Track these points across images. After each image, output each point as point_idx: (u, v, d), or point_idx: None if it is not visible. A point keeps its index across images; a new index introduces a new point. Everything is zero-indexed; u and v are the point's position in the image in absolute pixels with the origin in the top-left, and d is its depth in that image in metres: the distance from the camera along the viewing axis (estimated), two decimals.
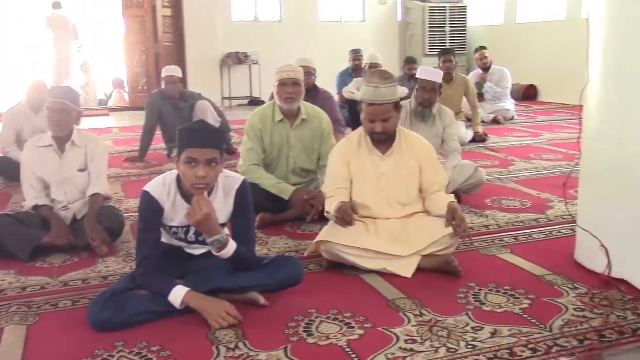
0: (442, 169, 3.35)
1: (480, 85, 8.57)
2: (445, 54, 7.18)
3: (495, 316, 2.66)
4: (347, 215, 3.01)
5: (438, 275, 3.09)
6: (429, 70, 4.60)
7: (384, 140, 3.25)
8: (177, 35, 11.31)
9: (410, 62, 8.58)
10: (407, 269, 3.10)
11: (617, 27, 2.90)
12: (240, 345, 2.44)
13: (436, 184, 3.28)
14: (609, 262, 2.94)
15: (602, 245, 2.96)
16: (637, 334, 2.48)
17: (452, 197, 3.25)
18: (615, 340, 2.43)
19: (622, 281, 2.91)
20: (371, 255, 3.09)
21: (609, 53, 2.95)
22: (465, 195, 4.44)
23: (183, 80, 6.89)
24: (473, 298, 2.84)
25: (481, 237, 3.69)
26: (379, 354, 2.35)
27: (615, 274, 2.94)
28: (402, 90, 7.32)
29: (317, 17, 12.23)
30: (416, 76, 4.59)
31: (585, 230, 3.08)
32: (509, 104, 8.70)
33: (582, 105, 3.16)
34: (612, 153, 2.94)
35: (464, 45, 12.55)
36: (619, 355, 2.35)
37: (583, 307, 2.71)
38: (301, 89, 4.08)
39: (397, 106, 3.20)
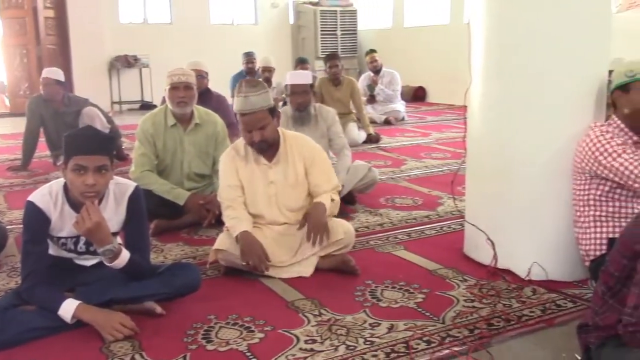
0: (330, 170, 3.36)
1: (371, 87, 8.79)
2: (331, 58, 7.33)
3: (392, 311, 2.73)
4: (260, 267, 3.04)
5: (336, 274, 3.14)
6: (296, 74, 4.63)
7: (267, 149, 3.23)
8: (62, 38, 10.80)
9: (301, 63, 8.67)
10: (305, 270, 3.13)
11: (496, 31, 3.06)
12: (137, 357, 2.37)
13: (320, 185, 3.26)
14: (495, 254, 3.10)
15: (488, 239, 3.12)
16: (521, 320, 2.63)
17: (325, 199, 3.21)
18: (502, 328, 2.56)
19: (507, 271, 3.08)
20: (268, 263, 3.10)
21: (488, 55, 3.11)
22: (359, 194, 4.53)
23: (69, 84, 6.57)
24: (370, 295, 2.91)
25: (376, 235, 3.79)
26: (279, 356, 2.35)
27: (501, 265, 3.10)
28: None
29: (209, 20, 12.09)
30: (285, 83, 4.60)
31: (473, 225, 3.24)
32: (400, 105, 8.97)
33: (466, 106, 3.32)
34: (495, 150, 3.10)
35: (355, 48, 12.82)
36: (506, 342, 2.48)
37: (472, 298, 2.84)
38: (193, 92, 4.02)
39: (272, 112, 3.15)
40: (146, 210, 2.77)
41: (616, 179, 2.62)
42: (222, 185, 3.28)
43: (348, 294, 2.93)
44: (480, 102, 3.19)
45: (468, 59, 3.23)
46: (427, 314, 2.70)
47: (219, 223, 3.63)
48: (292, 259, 3.17)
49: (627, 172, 2.57)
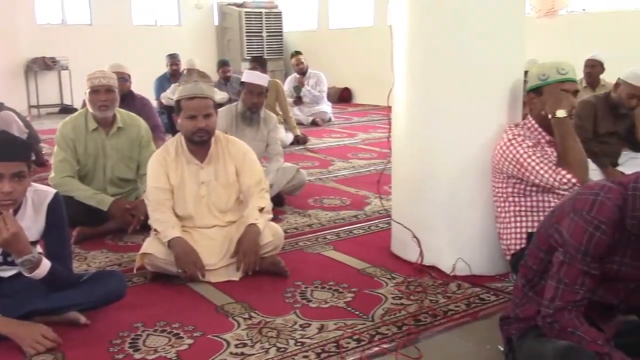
0: (260, 171, 3.35)
1: (298, 89, 8.82)
2: (253, 61, 7.33)
3: (322, 312, 2.75)
4: (197, 276, 3.00)
5: (265, 276, 3.13)
6: (256, 74, 4.65)
7: (202, 146, 3.20)
8: None
9: (223, 65, 8.62)
10: (234, 273, 3.11)
11: (417, 33, 3.14)
12: None
13: (251, 187, 3.25)
14: (421, 252, 3.17)
15: (414, 236, 3.19)
16: (448, 315, 2.70)
17: (256, 217, 3.13)
18: (430, 323, 2.63)
19: (433, 268, 3.16)
20: None
21: (410, 57, 3.18)
22: (288, 196, 4.54)
23: None
24: (300, 296, 2.91)
25: (305, 236, 3.80)
26: None
27: (427, 262, 3.18)
28: (223, 96, 7.33)
29: (130, 20, 11.80)
30: (242, 80, 4.61)
31: (399, 223, 3.30)
32: (326, 107, 9.04)
33: (390, 106, 3.38)
34: (419, 150, 3.18)
35: (281, 50, 12.82)
36: (433, 337, 2.54)
37: (400, 295, 2.90)
38: (115, 95, 3.91)
39: (215, 107, 3.19)
40: (68, 217, 2.68)
41: (531, 177, 2.74)
42: (150, 187, 3.22)
43: (278, 295, 2.93)
44: (403, 103, 3.26)
45: (391, 60, 3.29)
46: (357, 312, 2.73)
47: (144, 229, 3.55)
48: (221, 262, 3.14)
49: (534, 172, 2.71)
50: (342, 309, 2.77)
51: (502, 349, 2.25)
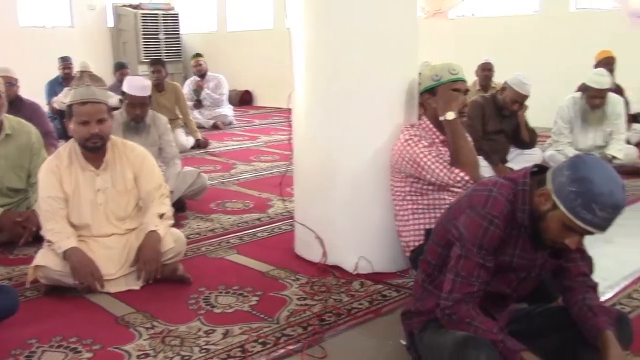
0: (159, 176, 3.27)
1: (198, 92, 8.68)
2: (155, 64, 7.16)
3: (227, 317, 2.72)
4: (95, 287, 2.90)
5: (167, 284, 3.06)
6: (137, 84, 4.40)
7: (96, 152, 3.08)
8: None
9: (121, 68, 8.37)
10: (135, 282, 3.02)
11: (314, 36, 3.17)
12: None
13: (150, 192, 3.16)
14: (324, 252, 3.21)
15: (317, 237, 3.22)
16: (351, 313, 2.74)
17: (156, 223, 3.06)
18: (334, 322, 2.66)
19: (337, 267, 3.20)
20: None
21: (309, 59, 3.21)
22: (189, 200, 4.46)
23: None
24: (204, 302, 2.87)
25: (208, 241, 3.75)
26: None
27: (331, 261, 3.22)
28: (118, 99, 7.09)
29: (17, 22, 11.19)
30: (123, 89, 4.44)
31: (302, 224, 3.32)
32: (227, 110, 8.96)
33: (290, 109, 3.39)
34: (319, 151, 3.21)
35: (179, 52, 12.58)
36: (338, 335, 2.57)
37: (305, 296, 2.91)
38: (2, 101, 3.70)
39: (109, 111, 3.09)
40: None
41: (428, 176, 2.83)
42: (43, 197, 3.06)
43: (181, 303, 2.87)
44: (303, 105, 3.28)
45: (290, 63, 3.31)
46: (262, 315, 2.72)
47: (37, 240, 3.37)
48: (121, 271, 3.04)
49: (430, 171, 2.81)
50: (247, 313, 2.75)
51: (404, 343, 2.31)
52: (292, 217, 3.60)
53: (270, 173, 5.72)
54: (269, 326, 2.61)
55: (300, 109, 3.30)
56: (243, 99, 11.54)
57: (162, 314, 2.74)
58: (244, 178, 5.56)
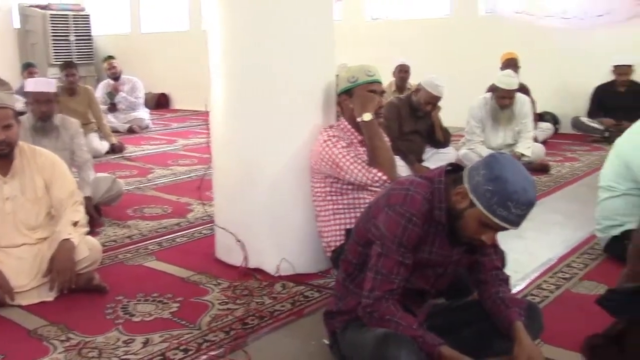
0: (72, 183, 3.15)
1: (112, 95, 8.44)
2: (67, 67, 6.92)
3: (146, 325, 2.66)
4: (4, 300, 2.79)
5: (83, 294, 2.95)
6: (39, 81, 4.30)
7: (3, 159, 2.94)
8: None
9: (29, 67, 8.03)
10: (48, 293, 2.90)
11: (230, 39, 3.15)
12: None
13: (63, 200, 3.05)
14: (246, 255, 3.18)
15: (238, 240, 3.19)
16: (274, 315, 2.74)
17: (69, 231, 2.95)
18: (257, 325, 2.65)
19: (259, 270, 3.18)
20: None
21: (225, 62, 3.18)
22: (105, 207, 4.32)
23: None
24: (122, 311, 2.79)
25: (125, 248, 3.65)
26: None
27: (252, 264, 3.20)
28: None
29: None
30: (26, 90, 4.27)
31: (222, 228, 3.29)
32: (143, 113, 8.75)
33: (208, 111, 3.35)
34: (238, 154, 3.19)
35: (91, 54, 12.17)
36: (261, 338, 2.56)
37: (227, 300, 2.89)
38: None
39: (16, 116, 2.95)
40: None
41: (347, 176, 2.87)
42: None
43: (98, 313, 2.78)
44: (221, 108, 3.25)
45: (207, 65, 3.27)
46: (183, 322, 2.67)
47: None
48: (32, 282, 2.91)
49: (349, 171, 2.84)
50: (168, 320, 2.70)
51: (327, 342, 2.33)
52: (212, 221, 3.56)
53: (189, 177, 5.63)
54: (190, 332, 2.57)
55: (218, 111, 3.27)
56: (159, 102, 11.31)
57: (78, 325, 2.65)
58: (162, 183, 5.45)
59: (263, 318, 2.71)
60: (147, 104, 9.54)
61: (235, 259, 3.24)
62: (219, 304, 2.85)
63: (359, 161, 2.86)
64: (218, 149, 3.34)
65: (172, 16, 11.65)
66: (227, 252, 3.33)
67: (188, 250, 3.64)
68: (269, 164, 3.11)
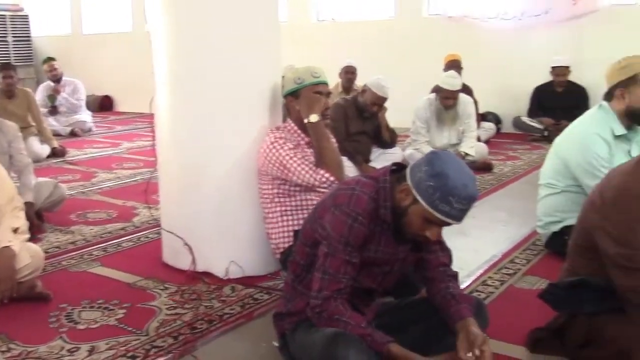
0: (11, 188, 3.01)
1: (53, 97, 8.22)
2: (4, 69, 6.71)
3: (92, 333, 2.60)
4: None
5: (25, 303, 2.86)
6: None
7: None
8: None
9: None
10: None
11: (175, 40, 3.11)
12: None
13: (3, 206, 2.91)
14: (194, 258, 3.15)
15: (186, 244, 3.15)
16: (223, 319, 2.72)
17: (9, 238, 2.83)
18: (206, 329, 2.62)
19: (207, 273, 3.15)
20: None
21: (170, 64, 3.14)
22: (47, 212, 4.21)
23: None
24: (66, 319, 2.72)
25: (69, 254, 3.56)
26: None
27: (201, 268, 3.17)
28: None
29: None
30: None
31: (169, 232, 3.24)
32: (86, 116, 8.55)
33: (153, 114, 3.30)
34: (184, 157, 3.15)
35: (30, 56, 11.83)
36: (210, 342, 2.54)
37: (175, 305, 2.85)
38: None
39: None
40: None
41: (294, 178, 2.87)
42: None
43: (41, 322, 2.70)
44: (166, 110, 3.21)
45: (151, 66, 3.22)
46: (130, 328, 2.63)
47: None
48: None
49: (296, 173, 2.84)
50: (114, 327, 2.65)
51: (277, 344, 2.33)
52: (158, 225, 3.51)
53: (135, 180, 5.53)
54: (137, 339, 2.53)
55: (163, 113, 3.23)
56: (102, 105, 11.07)
57: (20, 335, 2.57)
58: (106, 187, 5.33)
59: (212, 322, 2.68)
60: (90, 107, 9.33)
61: (183, 263, 3.20)
62: (167, 309, 2.81)
63: (307, 162, 2.87)
64: (164, 152, 3.30)
65: (114, 17, 11.42)
66: (175, 256, 3.28)
67: (134, 255, 3.57)
68: (216, 166, 3.08)
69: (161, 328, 2.62)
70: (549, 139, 6.40)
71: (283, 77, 3.18)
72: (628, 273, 2.05)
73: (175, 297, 2.93)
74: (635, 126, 3.19)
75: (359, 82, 7.01)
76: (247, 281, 3.10)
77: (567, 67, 7.30)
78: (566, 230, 3.06)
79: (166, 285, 3.08)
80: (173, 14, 3.10)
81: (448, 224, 1.92)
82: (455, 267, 2.29)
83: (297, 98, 2.95)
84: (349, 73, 7.32)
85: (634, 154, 3.08)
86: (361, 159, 5.14)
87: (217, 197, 3.10)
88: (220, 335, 2.60)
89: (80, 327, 2.65)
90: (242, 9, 3.04)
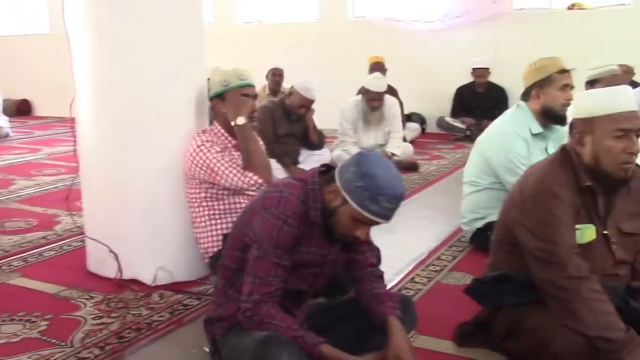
0: None
1: None
2: None
3: (12, 347, 2.49)
4: None
5: None
6: None
7: None
8: None
9: None
10: None
11: (96, 42, 3.02)
12: None
13: None
14: (120, 266, 3.07)
15: (111, 251, 3.07)
16: (152, 326, 2.66)
17: None
18: (134, 338, 2.56)
19: (134, 281, 3.08)
20: None
21: (91, 67, 3.06)
22: None
23: None
24: None
25: None
26: None
27: (127, 275, 3.09)
28: None
29: None
30: None
31: (94, 240, 3.15)
32: (2, 121, 8.22)
33: (74, 118, 3.20)
34: (108, 162, 3.07)
35: None
36: (139, 351, 2.48)
37: (101, 314, 2.77)
38: None
39: None
40: None
41: (222, 181, 2.85)
42: None
43: None
44: (88, 114, 3.11)
45: (71, 69, 3.12)
46: (54, 340, 2.53)
47: None
48: None
49: (224, 176, 2.82)
50: (37, 340, 2.55)
51: (208, 350, 2.30)
52: (82, 233, 3.40)
53: (56, 187, 5.34)
54: (62, 351, 2.44)
55: (85, 117, 3.13)
56: (20, 109, 10.63)
57: None
58: (25, 194, 5.13)
59: (140, 330, 2.62)
60: (6, 111, 8.96)
61: (109, 271, 3.12)
62: (93, 318, 2.73)
63: (234, 165, 2.85)
64: (86, 157, 3.20)
65: (30, 18, 11.00)
66: (100, 264, 3.19)
67: (57, 264, 3.45)
68: (141, 171, 3.02)
69: (87, 339, 2.54)
70: (471, 138, 6.60)
71: (209, 79, 3.15)
72: (546, 266, 2.14)
73: (101, 307, 2.85)
74: (550, 124, 3.33)
75: (286, 85, 7.03)
76: (176, 287, 3.04)
77: (486, 69, 7.56)
78: (489, 226, 3.16)
79: (92, 295, 2.99)
80: (92, 14, 3.01)
81: (377, 223, 1.95)
82: (383, 265, 2.33)
83: (223, 100, 2.93)
84: (276, 75, 7.32)
85: (551, 151, 3.21)
86: (289, 161, 5.15)
87: (143, 203, 3.04)
88: (149, 343, 2.54)
89: (0, 341, 2.54)
90: (166, 10, 2.98)
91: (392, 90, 6.59)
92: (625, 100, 2.13)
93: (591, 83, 4.32)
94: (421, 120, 8.03)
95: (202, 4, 3.23)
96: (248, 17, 9.58)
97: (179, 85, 3.04)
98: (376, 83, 5.73)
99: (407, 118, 7.43)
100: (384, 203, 1.88)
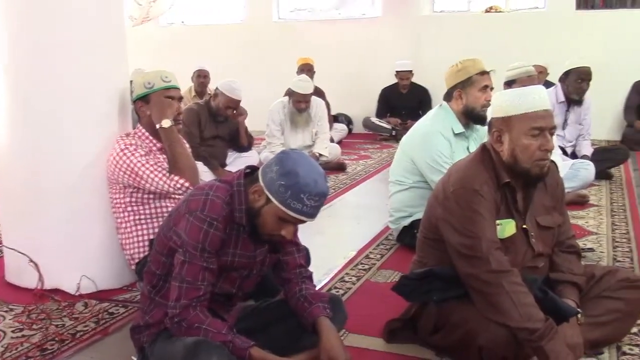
0: None
1: None
2: None
3: None
4: None
5: None
6: None
7: None
8: None
9: None
10: None
11: (12, 43, 2.89)
12: None
13: None
14: (41, 276, 2.96)
15: (31, 260, 2.96)
16: (77, 337, 2.58)
17: None
18: (58, 350, 2.47)
19: (57, 290, 2.97)
20: None
21: (9, 67, 2.92)
22: None
23: None
24: None
25: None
26: None
27: (49, 285, 2.98)
28: None
29: None
30: None
31: (11, 249, 3.02)
32: None
33: None
34: (26, 168, 2.95)
35: None
36: None
37: (21, 327, 2.66)
38: None
39: None
40: None
41: (147, 185, 2.78)
42: None
43: None
44: (3, 118, 2.98)
45: None
46: None
47: None
48: None
49: (149, 180, 2.77)
50: None
51: (135, 359, 2.25)
52: (0, 242, 3.26)
53: None
54: None
55: (1, 123, 3.00)
56: None
57: None
58: None
59: (64, 341, 2.53)
60: None
61: (29, 281, 2.99)
62: (12, 331, 2.62)
63: (160, 169, 2.79)
64: (1, 162, 3.05)
65: None
66: (19, 274, 3.06)
67: None
68: (62, 176, 2.91)
69: (7, 353, 2.43)
70: (397, 138, 6.73)
71: (131, 81, 3.08)
72: (469, 261, 2.20)
73: (21, 319, 2.73)
74: (472, 124, 3.44)
75: (212, 86, 6.96)
76: (101, 295, 2.96)
77: (410, 71, 7.73)
78: (415, 224, 3.22)
79: (11, 307, 2.87)
80: (5, 11, 2.88)
81: (302, 222, 1.96)
82: (313, 265, 2.34)
83: (147, 103, 2.87)
84: (201, 77, 7.24)
85: (472, 149, 3.32)
86: (217, 163, 5.10)
87: (64, 209, 2.94)
88: (73, 354, 2.46)
89: None
90: (85, 11, 2.89)
91: (319, 92, 6.64)
92: (540, 99, 2.22)
93: (509, 83, 4.50)
94: (348, 120, 8.13)
95: (122, 6, 3.15)
96: (171, 18, 9.42)
97: (100, 87, 2.95)
98: (302, 85, 5.75)
99: (334, 119, 7.50)
100: (308, 200, 1.89)
